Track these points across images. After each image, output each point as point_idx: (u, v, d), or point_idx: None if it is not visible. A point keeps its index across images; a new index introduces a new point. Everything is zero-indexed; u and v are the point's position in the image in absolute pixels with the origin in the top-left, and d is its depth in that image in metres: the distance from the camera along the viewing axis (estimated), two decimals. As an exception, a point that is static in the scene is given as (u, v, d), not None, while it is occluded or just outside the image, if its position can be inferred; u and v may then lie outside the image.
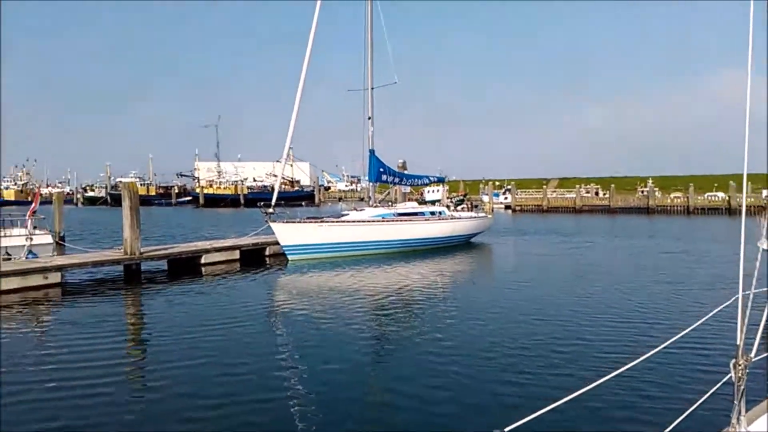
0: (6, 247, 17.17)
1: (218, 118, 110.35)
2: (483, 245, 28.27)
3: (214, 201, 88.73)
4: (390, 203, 29.44)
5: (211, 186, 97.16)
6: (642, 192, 72.05)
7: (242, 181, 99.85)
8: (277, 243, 21.70)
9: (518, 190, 74.86)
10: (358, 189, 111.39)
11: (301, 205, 60.96)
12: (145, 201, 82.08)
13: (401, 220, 24.72)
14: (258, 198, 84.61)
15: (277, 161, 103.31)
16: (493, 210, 36.00)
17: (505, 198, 73.95)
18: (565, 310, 12.69)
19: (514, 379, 8.14)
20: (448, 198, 37.83)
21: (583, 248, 26.70)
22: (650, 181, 72.53)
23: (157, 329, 11.91)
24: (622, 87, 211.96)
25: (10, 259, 16.95)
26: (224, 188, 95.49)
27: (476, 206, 36.98)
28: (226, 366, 8.94)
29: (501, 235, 33.04)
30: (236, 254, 21.47)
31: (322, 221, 22.77)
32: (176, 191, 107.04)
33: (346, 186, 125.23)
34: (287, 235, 21.43)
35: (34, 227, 18.96)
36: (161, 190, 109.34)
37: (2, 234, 17.54)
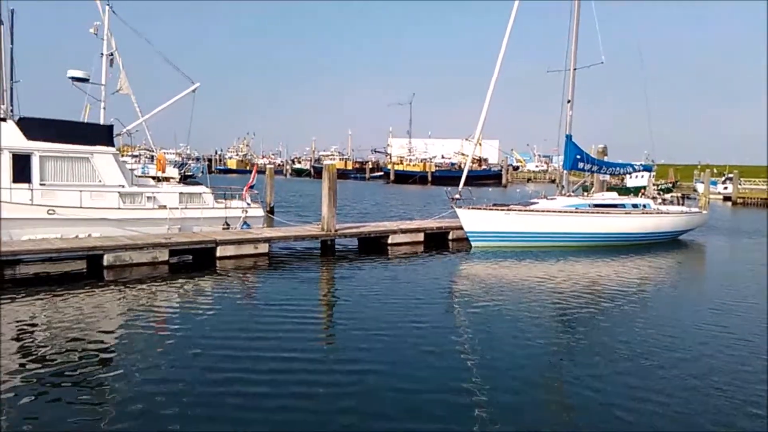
0: (226, 218, 19.59)
1: (412, 96, 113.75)
2: (693, 245, 24.85)
3: (404, 177, 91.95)
4: (585, 192, 27.34)
5: (401, 162, 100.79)
6: None
7: (431, 159, 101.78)
8: (461, 228, 21.52)
9: (741, 179, 64.49)
10: (550, 170, 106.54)
11: (487, 186, 60.36)
12: (343, 175, 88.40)
13: (597, 212, 22.78)
14: (445, 177, 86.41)
15: (466, 139, 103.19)
16: (708, 202, 31.43)
17: (725, 188, 64.35)
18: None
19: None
20: (654, 186, 34.07)
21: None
22: None
23: (347, 306, 12.65)
24: None
25: (228, 228, 19.31)
26: (413, 165, 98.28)
27: (687, 197, 32.67)
28: (406, 357, 9.02)
29: (717, 234, 28.73)
30: (421, 236, 21.81)
31: (509, 209, 21.98)
32: (370, 166, 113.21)
33: (537, 167, 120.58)
34: (472, 222, 21.12)
35: (250, 201, 21.37)
36: (357, 165, 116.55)
37: (224, 206, 20.08)
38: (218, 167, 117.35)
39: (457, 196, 21.51)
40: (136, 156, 42.77)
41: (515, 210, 21.89)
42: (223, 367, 8.40)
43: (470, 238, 21.34)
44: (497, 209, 21.74)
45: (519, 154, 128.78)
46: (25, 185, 16.53)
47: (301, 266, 17.24)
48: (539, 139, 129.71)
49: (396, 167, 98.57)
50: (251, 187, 22.38)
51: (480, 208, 21.44)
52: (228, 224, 19.50)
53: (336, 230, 19.60)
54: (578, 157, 24.38)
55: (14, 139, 16.63)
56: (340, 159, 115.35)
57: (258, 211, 21.22)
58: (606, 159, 27.21)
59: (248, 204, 21.05)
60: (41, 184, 16.81)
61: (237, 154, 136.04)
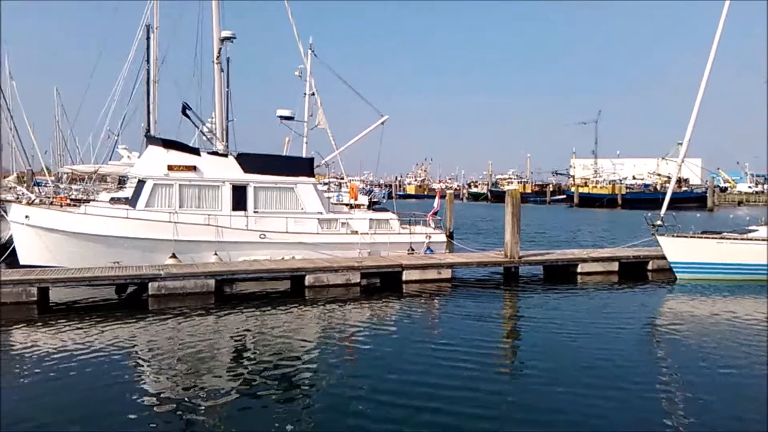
0: (411, 243, 20.18)
1: (598, 113, 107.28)
2: None
3: (589, 201, 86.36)
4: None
5: (586, 185, 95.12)
6: None
7: (620, 180, 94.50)
8: (663, 257, 19.43)
9: None
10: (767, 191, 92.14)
11: (689, 209, 53.96)
12: (522, 198, 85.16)
13: (838, 241, 18.92)
14: (637, 199, 79.33)
15: (662, 158, 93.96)
16: None
17: None
18: None
19: None
20: None
21: None
22: None
23: (530, 335, 12.24)
24: None
25: (413, 253, 19.83)
26: (600, 187, 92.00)
27: None
28: (592, 395, 8.36)
29: None
30: (614, 266, 20.11)
31: (721, 237, 19.32)
32: (551, 189, 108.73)
33: (750, 188, 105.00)
34: (677, 251, 18.95)
35: (434, 227, 21.80)
36: (537, 188, 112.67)
37: (409, 231, 20.72)
38: (398, 193, 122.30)
39: (659, 222, 19.52)
40: (326, 183, 46.45)
41: (730, 238, 19.18)
42: (401, 391, 8.57)
43: (675, 269, 19.15)
44: (708, 237, 19.27)
45: (727, 174, 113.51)
46: (242, 213, 18.81)
47: (483, 293, 16.99)
48: (750, 157, 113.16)
49: (580, 190, 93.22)
50: (435, 213, 22.83)
51: (686, 236, 19.20)
52: (413, 249, 20.04)
53: (520, 257, 19.02)
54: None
55: (234, 172, 19.09)
56: (518, 182, 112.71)
57: (440, 237, 21.49)
58: None
59: (432, 229, 21.46)
60: (255, 212, 19.00)
61: (415, 180, 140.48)
